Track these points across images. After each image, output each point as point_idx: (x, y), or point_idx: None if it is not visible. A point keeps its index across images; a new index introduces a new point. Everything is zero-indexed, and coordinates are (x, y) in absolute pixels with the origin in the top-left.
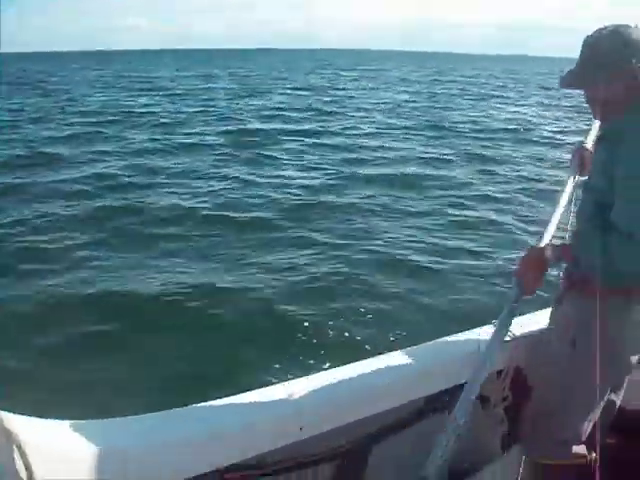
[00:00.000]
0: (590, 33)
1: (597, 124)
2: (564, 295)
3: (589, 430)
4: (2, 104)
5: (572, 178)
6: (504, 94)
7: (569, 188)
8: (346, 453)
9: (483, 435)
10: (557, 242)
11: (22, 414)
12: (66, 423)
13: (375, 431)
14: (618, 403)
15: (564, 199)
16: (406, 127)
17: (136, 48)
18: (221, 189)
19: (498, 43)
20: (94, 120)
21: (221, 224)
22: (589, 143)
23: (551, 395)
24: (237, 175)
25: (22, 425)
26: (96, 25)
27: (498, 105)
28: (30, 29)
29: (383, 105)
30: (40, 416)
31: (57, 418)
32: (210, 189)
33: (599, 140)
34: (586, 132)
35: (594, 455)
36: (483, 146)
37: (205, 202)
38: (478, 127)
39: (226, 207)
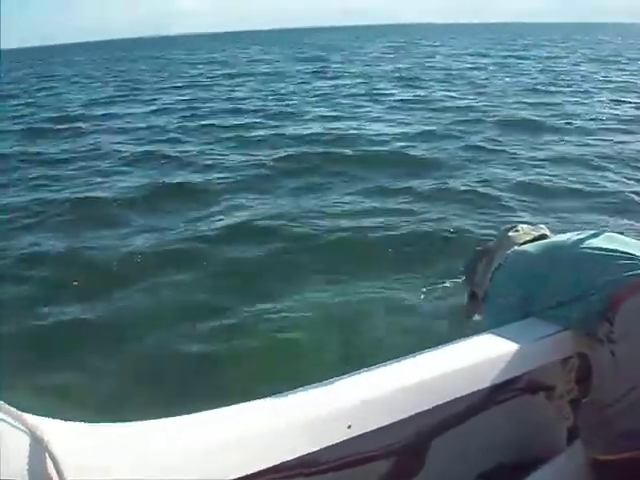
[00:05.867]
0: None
1: None
2: None
3: None
4: None
5: None
6: None
7: None
8: (402, 450)
9: (547, 428)
10: None
11: (47, 416)
12: (98, 426)
13: (433, 426)
14: None
15: None
16: None
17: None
18: None
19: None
20: None
21: None
22: None
23: (608, 382)
24: None
25: (52, 429)
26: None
27: None
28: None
29: None
30: (65, 419)
31: (77, 420)
32: None
33: None
34: None
35: None
36: None
37: None
38: None
39: None
